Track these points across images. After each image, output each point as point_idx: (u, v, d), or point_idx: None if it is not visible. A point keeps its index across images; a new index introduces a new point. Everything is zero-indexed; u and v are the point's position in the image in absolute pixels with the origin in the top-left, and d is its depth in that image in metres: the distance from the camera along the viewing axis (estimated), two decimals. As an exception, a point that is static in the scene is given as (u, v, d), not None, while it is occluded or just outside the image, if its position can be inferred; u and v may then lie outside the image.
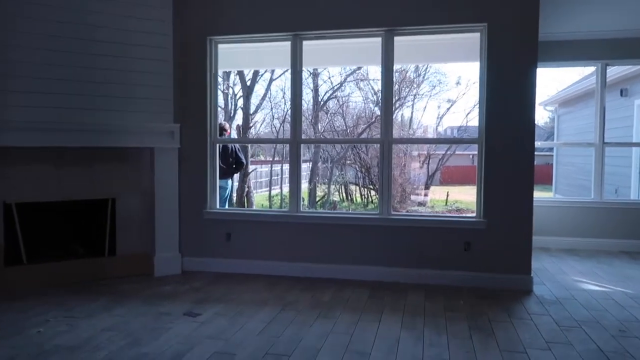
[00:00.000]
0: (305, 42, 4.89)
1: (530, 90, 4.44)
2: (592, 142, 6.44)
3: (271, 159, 16.80)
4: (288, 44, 4.89)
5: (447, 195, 16.89)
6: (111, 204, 4.75)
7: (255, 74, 10.06)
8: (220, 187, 6.91)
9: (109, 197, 4.74)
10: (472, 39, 4.60)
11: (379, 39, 4.74)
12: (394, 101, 16.69)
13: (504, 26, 4.44)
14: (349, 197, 16.66)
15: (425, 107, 18.13)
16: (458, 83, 17.30)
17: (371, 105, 16.39)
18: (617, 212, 6.21)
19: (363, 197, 16.79)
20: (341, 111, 15.96)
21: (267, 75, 11.32)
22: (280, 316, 3.81)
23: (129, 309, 3.93)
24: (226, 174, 6.75)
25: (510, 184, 4.50)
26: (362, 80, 16.00)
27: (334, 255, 4.84)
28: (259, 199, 16.15)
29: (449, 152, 17.17)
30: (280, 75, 10.46)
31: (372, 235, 4.77)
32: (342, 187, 16.77)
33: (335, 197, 16.30)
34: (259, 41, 5.01)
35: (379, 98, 16.82)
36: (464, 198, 18.33)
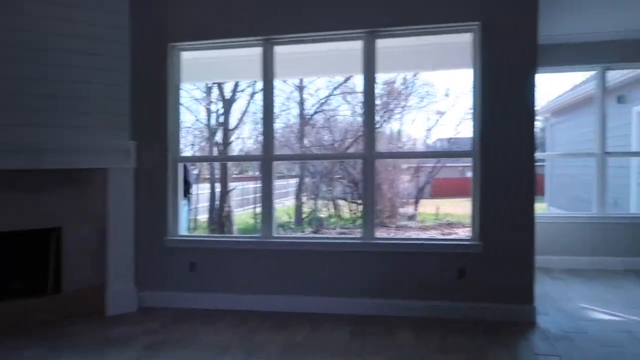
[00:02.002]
0: (278, 49, 4.35)
1: (529, 98, 3.92)
2: (593, 151, 5.93)
3: (259, 175, 16.29)
4: (260, 50, 4.35)
5: (438, 209, 16.37)
6: (57, 234, 4.14)
7: (236, 87, 9.53)
8: None
9: (54, 226, 4.12)
10: (463, 44, 4.09)
11: (359, 43, 4.21)
12: (381, 114, 16.10)
13: (500, 26, 3.93)
14: (338, 213, 16.10)
15: (414, 119, 17.70)
16: (447, 95, 16.87)
17: (359, 118, 15.91)
18: (621, 227, 5.68)
19: (352, 212, 16.23)
20: (328, 125, 15.47)
21: (250, 89, 10.82)
22: (244, 366, 3.21)
23: (67, 360, 3.31)
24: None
25: (508, 202, 3.95)
26: (349, 93, 15.55)
27: (310, 286, 4.25)
28: (245, 216, 15.52)
29: (439, 165, 16.70)
30: (260, 90, 9.98)
31: (354, 262, 4.20)
32: (331, 203, 16.22)
33: (324, 214, 15.68)
34: (226, 47, 4.45)
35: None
36: (454, 211, 17.83)
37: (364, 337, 3.67)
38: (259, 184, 17.10)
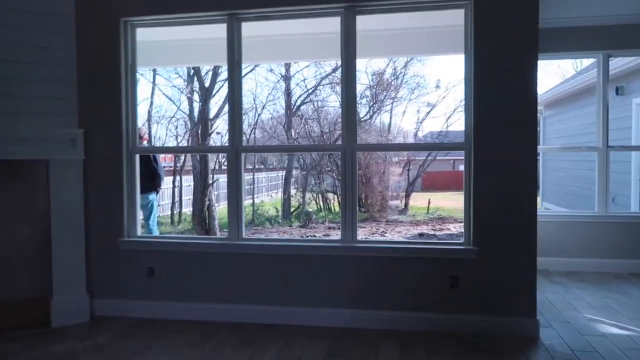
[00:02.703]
0: (246, 28, 3.78)
1: (530, 86, 3.38)
2: (594, 145, 5.42)
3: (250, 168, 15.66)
4: (225, 28, 3.77)
5: (429, 203, 15.90)
6: (-9, 235, 3.57)
7: (215, 74, 8.91)
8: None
9: (-13, 226, 3.56)
10: (456, 28, 3.53)
11: (337, 20, 3.65)
12: (370, 105, 15.45)
13: (495, 4, 3.38)
14: (327, 206, 15.59)
15: (405, 111, 17.17)
16: (437, 86, 16.35)
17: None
18: (625, 227, 5.18)
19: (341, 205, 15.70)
20: (317, 116, 14.91)
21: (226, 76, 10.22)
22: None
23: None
24: (145, 188, 5.63)
25: (506, 201, 3.43)
26: (337, 84, 14.98)
27: (284, 295, 3.71)
28: (222, 212, 14.90)
29: (430, 158, 16.23)
30: (243, 76, 9.33)
31: (333, 269, 3.66)
32: (319, 196, 15.71)
33: (312, 207, 15.15)
34: (186, 23, 3.87)
35: (356, 102, 15.78)
36: (446, 205, 17.39)
37: (342, 354, 3.14)
38: (247, 176, 16.31)
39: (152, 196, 5.77)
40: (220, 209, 15.98)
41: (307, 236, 9.79)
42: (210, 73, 8.80)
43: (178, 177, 13.23)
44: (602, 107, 5.28)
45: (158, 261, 3.86)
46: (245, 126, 14.28)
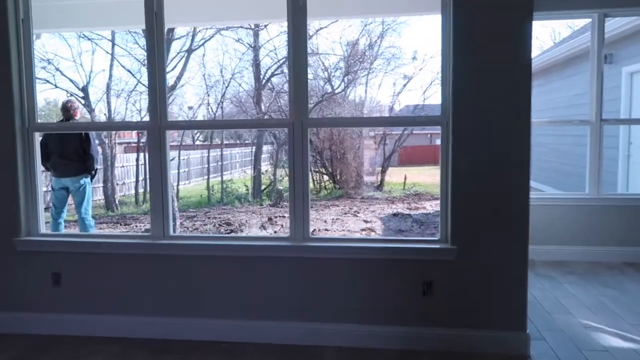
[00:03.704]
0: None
1: (524, 48, 2.63)
2: (586, 119, 4.74)
3: (208, 143, 14.75)
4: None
5: (405, 179, 15.29)
6: None
7: (169, 43, 7.94)
8: (62, 188, 4.94)
9: None
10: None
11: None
12: (341, 77, 14.48)
13: None
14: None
15: (380, 84, 16.38)
16: (414, 58, 15.53)
17: (321, 82, 14.51)
18: (619, 211, 4.55)
19: (315, 182, 15.07)
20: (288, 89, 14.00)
21: (186, 43, 9.14)
22: None
23: None
24: (76, 170, 4.83)
25: (493, 188, 2.72)
26: (310, 54, 14.07)
27: (222, 306, 2.97)
28: (192, 191, 14.09)
29: (406, 132, 15.55)
30: (199, 45, 8.32)
31: (281, 273, 2.92)
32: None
33: (284, 185, 14.37)
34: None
35: (330, 74, 14.69)
36: (422, 180, 16.84)
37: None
38: (216, 152, 15.31)
39: (84, 179, 4.93)
40: (191, 187, 15.15)
41: (274, 217, 9.05)
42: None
43: (142, 154, 12.31)
44: (597, 75, 4.57)
45: (65, 265, 3.07)
46: (212, 100, 13.36)
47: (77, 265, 3.05)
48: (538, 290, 3.80)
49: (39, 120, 3.14)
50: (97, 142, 5.07)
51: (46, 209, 3.96)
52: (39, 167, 3.17)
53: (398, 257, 2.82)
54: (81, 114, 5.11)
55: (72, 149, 4.82)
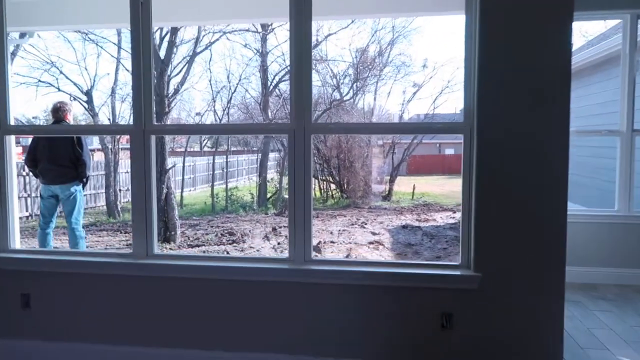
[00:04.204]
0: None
1: (564, 47, 2.25)
2: (617, 129, 4.32)
3: (207, 150, 14.43)
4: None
5: (414, 188, 14.90)
6: None
7: (171, 45, 7.62)
8: (51, 196, 4.59)
9: None
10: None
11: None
12: (350, 84, 14.18)
13: None
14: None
15: (390, 92, 16.03)
16: (424, 66, 15.17)
17: (329, 89, 14.19)
18: (652, 229, 4.13)
19: (322, 191, 14.70)
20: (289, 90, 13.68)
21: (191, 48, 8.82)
22: None
23: None
24: (66, 177, 4.49)
25: (524, 204, 2.32)
26: (318, 61, 13.75)
27: (206, 335, 2.59)
28: (197, 198, 13.77)
29: (415, 141, 15.18)
30: (204, 48, 8.01)
31: (277, 300, 2.54)
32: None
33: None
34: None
35: (339, 81, 14.33)
36: (431, 190, 16.45)
37: None
38: (222, 159, 15.01)
39: (75, 187, 4.58)
40: (196, 194, 14.83)
41: (279, 227, 8.67)
42: (166, 42, 7.51)
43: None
44: (629, 81, 4.17)
45: (36, 286, 2.70)
46: (218, 105, 13.07)
47: (48, 286, 2.69)
48: (567, 319, 3.36)
49: (12, 123, 2.79)
50: (89, 148, 4.71)
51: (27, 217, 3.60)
52: (13, 173, 2.82)
53: (413, 284, 2.43)
54: (73, 117, 4.75)
55: (63, 154, 4.47)
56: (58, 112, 4.53)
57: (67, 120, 4.62)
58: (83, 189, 4.70)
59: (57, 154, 4.45)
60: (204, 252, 7.04)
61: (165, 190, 7.66)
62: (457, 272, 2.41)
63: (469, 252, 2.42)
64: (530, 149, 2.28)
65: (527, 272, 2.33)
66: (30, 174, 6.85)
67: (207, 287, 2.57)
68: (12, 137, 2.83)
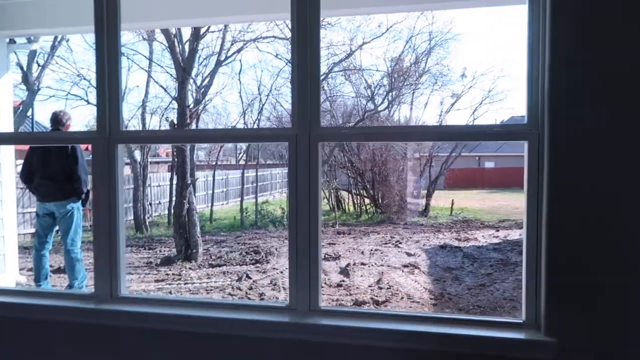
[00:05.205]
0: None
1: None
2: None
3: (243, 163, 14.00)
4: None
5: (452, 203, 14.02)
6: None
7: (193, 53, 7.17)
8: (46, 214, 4.08)
9: None
10: None
11: None
12: (384, 93, 13.49)
13: None
14: (341, 206, 13.90)
15: (427, 102, 15.23)
16: (463, 75, 14.32)
17: (363, 100, 13.56)
18: None
19: (356, 205, 14.01)
20: (328, 106, 13.16)
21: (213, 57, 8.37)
22: None
23: None
24: (62, 193, 3.98)
25: (618, 237, 1.59)
26: (351, 71, 13.17)
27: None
28: (228, 212, 13.32)
29: (454, 154, 14.32)
30: (228, 59, 7.50)
31: (274, 362, 1.88)
32: (332, 194, 14.02)
33: (323, 207, 13.30)
34: None
35: (373, 92, 13.70)
36: (471, 204, 15.51)
37: None
38: (251, 173, 14.55)
39: (72, 204, 4.09)
40: (228, 207, 14.40)
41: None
42: (187, 49, 7.09)
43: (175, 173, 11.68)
44: None
45: (-20, 332, 2.14)
46: (248, 118, 12.62)
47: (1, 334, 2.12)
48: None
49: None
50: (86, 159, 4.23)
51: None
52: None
53: (459, 350, 1.72)
54: (70, 126, 4.27)
55: (57, 168, 4.00)
56: (59, 122, 4.11)
57: (67, 129, 4.16)
58: (83, 206, 4.20)
59: (50, 168, 3.98)
60: (224, 272, 6.47)
61: (186, 206, 7.16)
62: (521, 336, 1.68)
63: (538, 306, 1.69)
64: (622, 160, 1.55)
65: (626, 335, 1.58)
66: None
67: (182, 341, 1.93)
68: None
